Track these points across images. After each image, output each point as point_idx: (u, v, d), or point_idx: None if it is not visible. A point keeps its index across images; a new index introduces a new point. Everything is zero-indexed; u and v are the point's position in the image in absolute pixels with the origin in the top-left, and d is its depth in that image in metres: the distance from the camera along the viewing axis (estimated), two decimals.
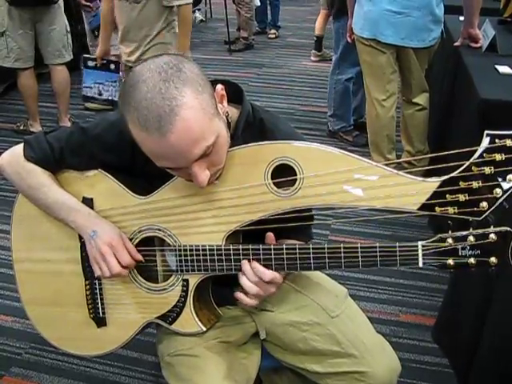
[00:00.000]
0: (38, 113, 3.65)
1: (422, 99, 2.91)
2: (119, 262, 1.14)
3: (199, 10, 6.41)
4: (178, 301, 1.17)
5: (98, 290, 1.25)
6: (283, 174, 1.06)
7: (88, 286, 1.25)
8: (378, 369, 1.20)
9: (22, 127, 3.70)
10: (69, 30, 3.57)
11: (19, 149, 1.22)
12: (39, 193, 1.20)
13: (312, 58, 5.18)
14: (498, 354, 1.54)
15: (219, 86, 1.05)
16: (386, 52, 2.75)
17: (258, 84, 4.66)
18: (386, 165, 1.02)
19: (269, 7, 5.99)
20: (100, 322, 1.26)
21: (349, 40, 3.09)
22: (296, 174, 1.04)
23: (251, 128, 1.15)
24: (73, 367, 1.91)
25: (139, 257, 1.17)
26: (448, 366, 1.90)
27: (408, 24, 2.65)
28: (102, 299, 1.25)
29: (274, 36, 5.91)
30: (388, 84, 2.84)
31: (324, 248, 1.06)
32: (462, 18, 3.33)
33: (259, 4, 5.66)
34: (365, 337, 1.24)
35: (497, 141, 0.93)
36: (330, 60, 4.86)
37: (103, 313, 1.25)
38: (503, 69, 2.46)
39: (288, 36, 6.04)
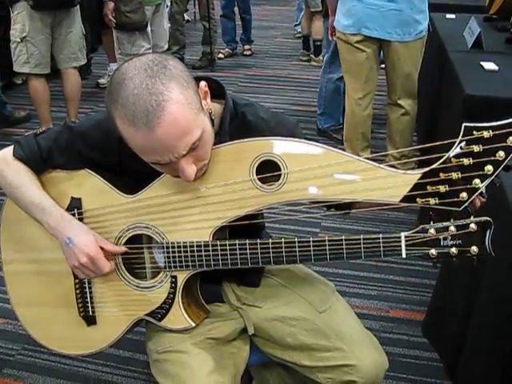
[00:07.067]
0: (51, 119, 3.56)
1: (406, 103, 2.88)
2: (101, 268, 1.17)
3: (187, 10, 6.40)
4: (167, 297, 1.18)
5: (87, 289, 1.25)
6: (268, 170, 1.07)
7: (77, 285, 1.26)
8: (366, 362, 1.21)
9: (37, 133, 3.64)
10: (84, 32, 3.53)
11: (9, 149, 1.24)
12: (18, 192, 1.20)
13: (301, 58, 5.20)
14: (482, 347, 1.57)
15: (203, 83, 1.07)
16: (366, 50, 2.74)
17: (247, 84, 4.67)
18: (369, 158, 1.04)
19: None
20: (90, 320, 1.26)
21: (330, 38, 3.11)
22: (280, 170, 1.06)
23: (235, 122, 1.17)
24: (65, 368, 1.91)
25: (122, 249, 1.19)
26: (437, 360, 1.92)
27: (393, 17, 2.63)
28: (91, 298, 1.25)
29: (249, 52, 5.46)
30: (365, 83, 2.84)
31: (309, 241, 1.08)
32: (448, 16, 3.38)
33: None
34: (352, 331, 1.25)
35: (474, 133, 0.96)
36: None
37: (93, 311, 1.26)
38: (488, 65, 2.49)
39: (276, 36, 6.06)
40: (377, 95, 3.02)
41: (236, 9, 5.30)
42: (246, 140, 1.09)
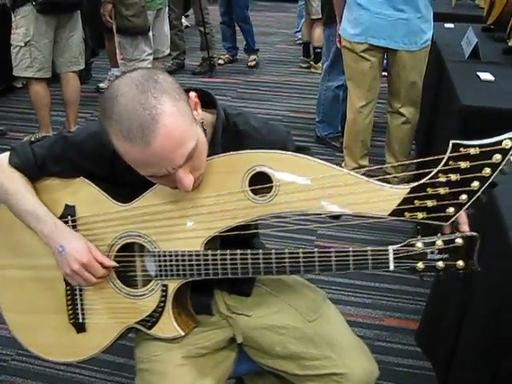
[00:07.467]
0: (50, 123, 3.57)
1: (408, 111, 2.89)
2: (93, 275, 1.18)
3: (187, 16, 6.43)
4: (157, 306, 1.19)
5: (78, 296, 1.26)
6: (261, 182, 1.09)
7: (68, 292, 1.27)
8: (356, 370, 1.22)
9: (32, 139, 3.62)
10: (84, 36, 3.56)
11: (4, 156, 1.25)
12: (13, 199, 1.22)
13: (301, 65, 5.22)
14: (473, 357, 1.57)
15: (192, 94, 1.08)
16: (370, 59, 2.76)
17: (246, 90, 4.69)
18: (362, 172, 1.06)
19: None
20: (80, 327, 1.27)
21: (338, 45, 3.07)
22: (272, 182, 1.08)
23: (227, 133, 1.18)
24: (59, 373, 1.92)
25: (112, 263, 1.20)
26: (430, 369, 1.92)
27: (401, 26, 2.65)
28: (81, 305, 1.26)
29: (253, 63, 5.22)
30: (368, 91, 2.86)
31: (299, 252, 1.09)
32: (446, 26, 3.40)
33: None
34: (342, 339, 1.26)
35: (461, 149, 0.98)
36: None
37: (83, 318, 1.27)
38: (484, 75, 2.51)
39: (276, 42, 6.08)
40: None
41: None
42: (239, 152, 1.10)
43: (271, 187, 1.08)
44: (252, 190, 1.09)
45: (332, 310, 1.33)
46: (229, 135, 1.18)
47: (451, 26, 3.41)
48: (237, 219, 1.10)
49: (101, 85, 4.63)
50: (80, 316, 1.27)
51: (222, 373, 1.28)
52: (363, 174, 1.06)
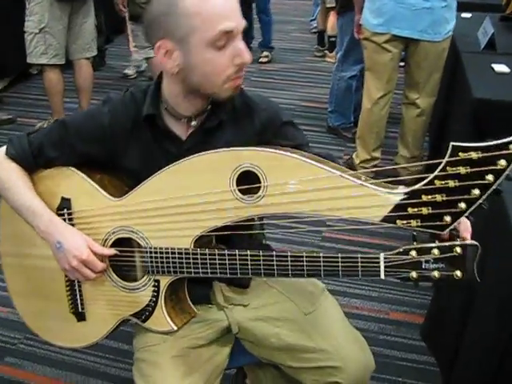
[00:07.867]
0: (63, 110, 3.56)
1: (425, 103, 2.84)
2: (92, 270, 1.19)
3: None
4: (150, 300, 1.20)
5: (77, 287, 1.28)
6: (251, 181, 1.06)
7: (68, 283, 1.28)
8: (351, 363, 1.21)
9: (44, 126, 3.64)
10: (96, 23, 3.56)
11: (2, 148, 1.26)
12: (10, 193, 1.22)
13: (315, 53, 5.17)
14: (476, 355, 1.56)
15: None
16: (392, 50, 2.70)
17: (260, 79, 4.64)
18: (355, 173, 1.02)
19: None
20: (79, 316, 1.29)
21: (356, 36, 3.00)
22: (260, 182, 1.05)
23: (226, 107, 1.17)
24: (65, 358, 1.95)
25: (111, 252, 1.21)
26: (434, 364, 1.91)
27: (426, 16, 2.59)
28: (81, 295, 1.28)
29: (265, 60, 5.01)
30: (387, 83, 2.81)
31: (287, 256, 1.07)
32: (463, 15, 3.33)
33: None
34: (338, 332, 1.25)
35: (460, 154, 0.89)
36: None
37: (82, 308, 1.28)
38: (499, 67, 2.45)
39: (292, 31, 6.00)
40: None
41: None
42: (227, 149, 1.08)
43: (259, 187, 1.05)
44: (240, 190, 1.06)
45: (330, 302, 1.32)
46: (228, 112, 1.17)
47: (468, 15, 3.33)
48: (224, 219, 1.09)
49: (127, 71, 4.58)
50: (79, 306, 1.29)
51: (217, 365, 1.28)
52: (371, 173, 1.02)
